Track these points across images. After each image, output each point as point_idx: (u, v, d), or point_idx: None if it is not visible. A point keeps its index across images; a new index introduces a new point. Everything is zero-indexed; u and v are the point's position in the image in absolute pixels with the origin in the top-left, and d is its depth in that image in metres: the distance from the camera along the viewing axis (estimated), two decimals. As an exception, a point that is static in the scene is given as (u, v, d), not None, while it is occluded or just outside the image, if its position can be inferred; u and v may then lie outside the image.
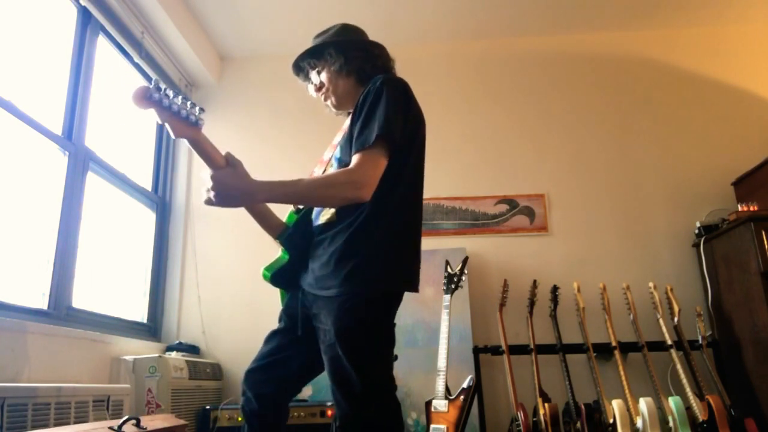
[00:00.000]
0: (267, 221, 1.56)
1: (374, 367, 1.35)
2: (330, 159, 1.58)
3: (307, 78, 1.68)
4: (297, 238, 1.50)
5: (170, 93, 1.22)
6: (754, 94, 3.52)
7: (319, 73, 1.62)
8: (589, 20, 3.61)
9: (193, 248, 3.46)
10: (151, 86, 1.19)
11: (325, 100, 1.64)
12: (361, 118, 1.41)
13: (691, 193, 3.36)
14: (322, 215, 1.48)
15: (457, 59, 3.75)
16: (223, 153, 1.34)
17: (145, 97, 1.19)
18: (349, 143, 1.44)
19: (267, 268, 1.52)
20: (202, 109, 1.29)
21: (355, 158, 1.36)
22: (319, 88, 1.64)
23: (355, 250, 1.37)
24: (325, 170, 1.59)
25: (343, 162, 1.47)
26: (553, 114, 3.59)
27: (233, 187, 1.29)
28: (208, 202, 1.29)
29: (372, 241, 1.38)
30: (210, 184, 1.28)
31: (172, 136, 1.26)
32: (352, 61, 1.57)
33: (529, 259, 3.31)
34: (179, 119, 1.25)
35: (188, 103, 1.26)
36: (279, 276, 1.51)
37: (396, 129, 1.38)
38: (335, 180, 1.35)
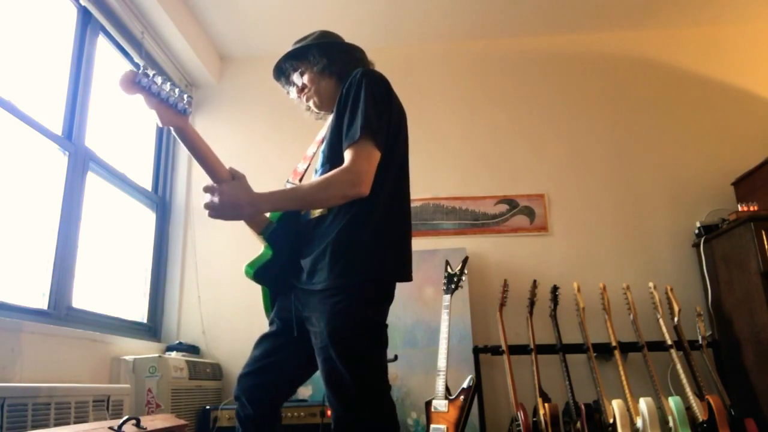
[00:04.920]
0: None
1: (367, 368, 1.35)
2: (314, 155, 1.61)
3: (288, 82, 1.69)
4: (282, 234, 1.49)
5: (158, 79, 1.21)
6: (754, 94, 3.52)
7: (301, 74, 1.64)
8: (588, 20, 3.61)
9: (193, 248, 3.46)
10: (139, 71, 1.18)
11: (308, 100, 1.66)
12: (346, 112, 1.42)
13: (691, 193, 3.36)
14: (313, 210, 1.48)
15: (457, 59, 3.75)
16: (216, 149, 1.37)
17: (134, 82, 1.18)
18: (334, 136, 1.46)
19: (249, 265, 1.50)
20: (190, 97, 1.29)
21: (347, 155, 1.38)
22: (301, 90, 1.65)
23: (348, 242, 1.38)
24: (309, 165, 1.60)
25: (327, 155, 1.48)
26: (552, 114, 3.59)
27: (239, 198, 1.33)
28: (213, 213, 1.34)
29: (364, 233, 1.38)
30: (215, 196, 1.32)
31: (159, 124, 1.27)
32: (335, 62, 1.59)
33: (529, 259, 3.31)
34: (167, 106, 1.24)
35: (176, 90, 1.26)
36: (262, 272, 1.50)
37: (381, 119, 1.40)
38: (332, 180, 1.36)
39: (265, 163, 3.52)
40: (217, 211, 1.34)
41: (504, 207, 3.42)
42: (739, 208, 2.88)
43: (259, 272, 1.50)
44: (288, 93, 1.72)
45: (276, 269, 1.50)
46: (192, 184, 3.59)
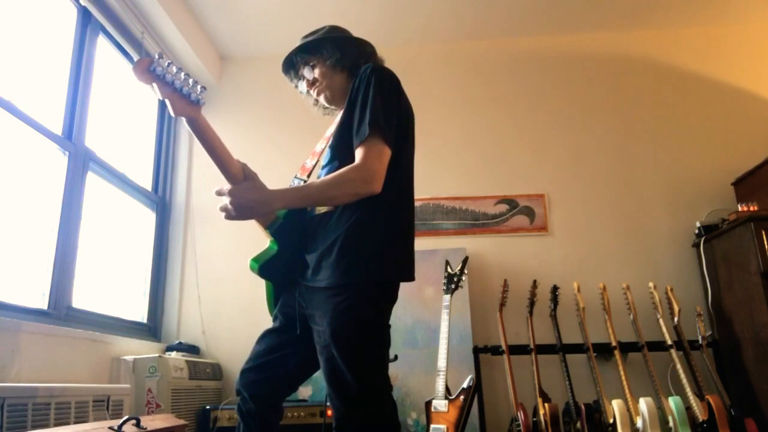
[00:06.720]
0: None
1: (369, 368, 1.35)
2: (323, 150, 1.60)
3: (296, 76, 1.68)
4: (289, 230, 1.49)
5: (173, 68, 1.21)
6: (754, 94, 3.52)
7: (312, 68, 1.63)
8: (589, 20, 3.61)
9: (193, 248, 3.46)
10: (154, 59, 1.18)
11: (318, 95, 1.64)
12: (356, 108, 1.42)
13: (691, 193, 3.36)
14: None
15: (458, 59, 3.75)
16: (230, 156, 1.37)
17: (148, 70, 1.18)
18: (343, 132, 1.46)
19: (255, 259, 1.50)
20: (203, 88, 1.28)
21: (358, 153, 1.38)
22: (312, 84, 1.64)
23: (354, 241, 1.37)
24: (317, 161, 1.59)
25: (336, 152, 1.48)
26: (553, 114, 3.59)
27: (252, 199, 1.33)
28: (228, 215, 1.34)
29: (370, 232, 1.38)
30: (228, 198, 1.33)
31: (172, 113, 1.26)
32: (347, 56, 1.59)
33: (529, 259, 3.31)
34: (180, 96, 1.24)
35: (190, 80, 1.25)
36: (267, 267, 1.50)
37: (389, 116, 1.41)
38: (344, 178, 1.36)
39: (265, 163, 3.49)
40: (231, 214, 1.34)
41: (504, 207, 3.43)
42: (739, 208, 2.88)
43: (263, 267, 1.50)
44: (296, 87, 1.71)
45: (281, 265, 1.50)
46: (192, 184, 3.58)
